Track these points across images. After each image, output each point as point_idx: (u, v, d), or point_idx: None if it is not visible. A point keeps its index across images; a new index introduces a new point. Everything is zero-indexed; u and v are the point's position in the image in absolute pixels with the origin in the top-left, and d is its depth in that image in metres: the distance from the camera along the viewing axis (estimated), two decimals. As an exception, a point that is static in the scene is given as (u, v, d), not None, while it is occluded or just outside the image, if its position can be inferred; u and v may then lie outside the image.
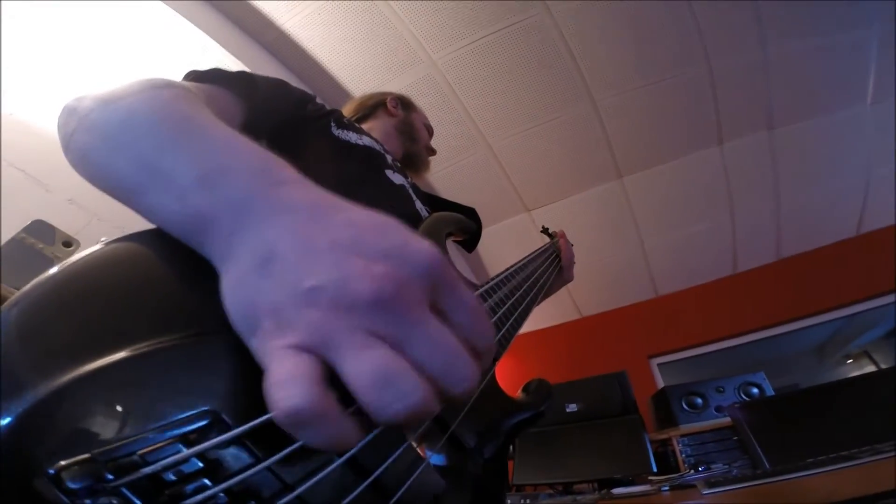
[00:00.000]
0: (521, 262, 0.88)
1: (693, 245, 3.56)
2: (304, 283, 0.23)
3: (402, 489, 0.29)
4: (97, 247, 0.27)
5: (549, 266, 1.05)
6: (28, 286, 0.24)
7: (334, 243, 0.24)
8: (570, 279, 1.21)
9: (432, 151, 1.19)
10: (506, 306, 0.64)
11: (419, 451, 0.33)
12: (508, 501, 1.92)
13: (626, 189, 3.22)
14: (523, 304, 0.72)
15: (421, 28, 2.31)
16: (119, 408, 0.21)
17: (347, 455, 0.26)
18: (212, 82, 0.58)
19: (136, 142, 0.31)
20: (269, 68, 2.28)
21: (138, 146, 0.31)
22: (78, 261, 0.26)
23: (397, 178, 0.84)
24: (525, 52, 2.43)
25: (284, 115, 0.72)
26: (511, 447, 0.68)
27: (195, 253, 0.28)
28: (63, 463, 0.19)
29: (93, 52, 1.93)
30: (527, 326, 0.71)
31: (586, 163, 3.03)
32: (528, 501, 1.98)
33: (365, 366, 0.22)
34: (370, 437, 0.26)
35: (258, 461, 0.23)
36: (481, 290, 0.61)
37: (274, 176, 0.28)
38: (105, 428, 0.21)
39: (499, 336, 0.56)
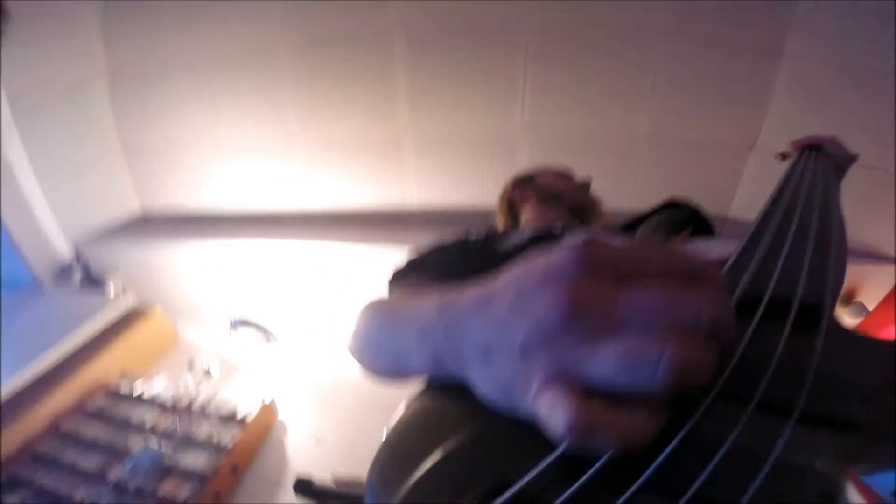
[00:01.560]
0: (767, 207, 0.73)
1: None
2: (515, 345, 0.26)
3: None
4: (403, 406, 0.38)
5: (813, 169, 0.88)
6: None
7: (507, 306, 0.28)
8: (848, 156, 0.98)
9: (584, 187, 1.21)
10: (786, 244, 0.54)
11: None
12: None
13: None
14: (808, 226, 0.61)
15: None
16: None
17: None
18: (399, 282, 0.76)
19: (377, 347, 0.48)
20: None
21: (379, 349, 0.48)
22: (405, 413, 0.37)
23: (577, 239, 0.89)
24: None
25: (458, 265, 0.78)
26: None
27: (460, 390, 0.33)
28: None
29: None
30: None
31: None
32: None
33: (605, 359, 0.22)
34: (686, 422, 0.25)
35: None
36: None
37: (447, 304, 0.35)
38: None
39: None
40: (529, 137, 2.57)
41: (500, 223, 1.31)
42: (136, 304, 2.88)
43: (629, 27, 2.27)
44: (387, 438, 0.34)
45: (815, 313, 0.38)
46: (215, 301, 3.03)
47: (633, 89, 2.41)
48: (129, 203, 3.19)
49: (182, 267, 2.98)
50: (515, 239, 0.86)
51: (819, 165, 0.87)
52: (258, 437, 2.11)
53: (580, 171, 1.27)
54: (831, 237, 0.56)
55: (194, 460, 1.94)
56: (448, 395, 0.34)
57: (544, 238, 0.86)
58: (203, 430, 2.07)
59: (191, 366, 2.35)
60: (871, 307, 2.76)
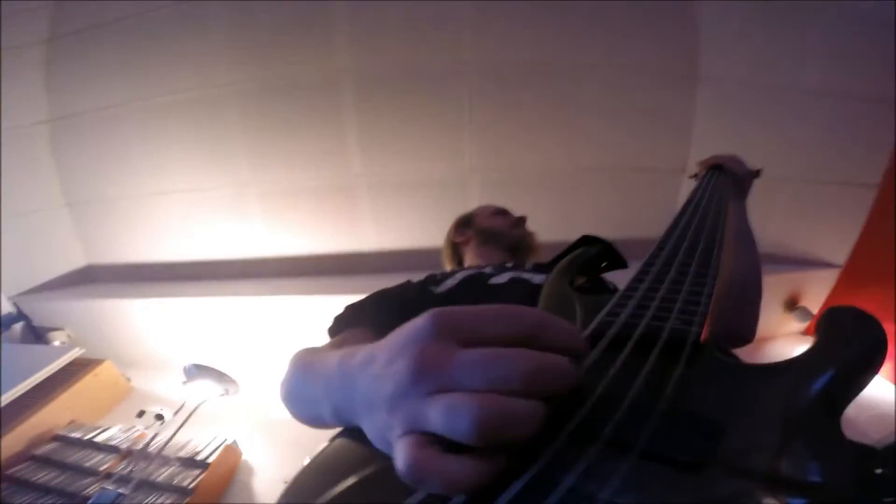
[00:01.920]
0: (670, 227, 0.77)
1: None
2: (385, 400, 0.29)
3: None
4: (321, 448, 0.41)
5: (711, 189, 0.93)
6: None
7: (382, 365, 0.31)
8: (748, 172, 1.10)
9: (517, 224, 1.29)
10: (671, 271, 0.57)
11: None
12: None
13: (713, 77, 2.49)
14: (699, 252, 0.62)
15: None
16: None
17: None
18: (339, 329, 0.80)
19: (295, 396, 0.52)
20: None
21: (297, 398, 0.52)
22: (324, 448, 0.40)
23: (503, 278, 0.90)
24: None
25: (399, 311, 0.81)
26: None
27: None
28: None
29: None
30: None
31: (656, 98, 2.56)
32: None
33: (436, 413, 0.25)
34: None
35: None
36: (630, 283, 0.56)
37: (344, 361, 0.39)
38: None
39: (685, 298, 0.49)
40: (479, 177, 2.67)
41: (447, 266, 1.37)
42: (84, 356, 2.72)
43: (559, 63, 2.43)
44: (305, 465, 0.37)
45: (694, 345, 0.40)
46: (169, 350, 2.93)
47: (570, 123, 2.56)
48: (73, 256, 3.07)
49: (132, 320, 2.89)
50: (450, 282, 0.92)
51: (718, 184, 0.98)
52: (223, 478, 2.03)
53: (530, 208, 1.35)
54: (714, 260, 0.59)
55: (157, 502, 1.84)
56: (362, 436, 0.36)
57: (475, 278, 0.92)
58: (163, 473, 1.96)
59: (140, 413, 2.25)
60: (814, 311, 2.93)
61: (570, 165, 2.63)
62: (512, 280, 0.89)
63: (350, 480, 0.32)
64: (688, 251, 0.62)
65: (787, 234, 2.79)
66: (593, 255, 0.83)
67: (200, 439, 2.15)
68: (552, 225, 1.27)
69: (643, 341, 0.40)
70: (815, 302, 2.91)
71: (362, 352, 0.36)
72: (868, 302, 2.71)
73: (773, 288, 2.85)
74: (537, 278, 0.88)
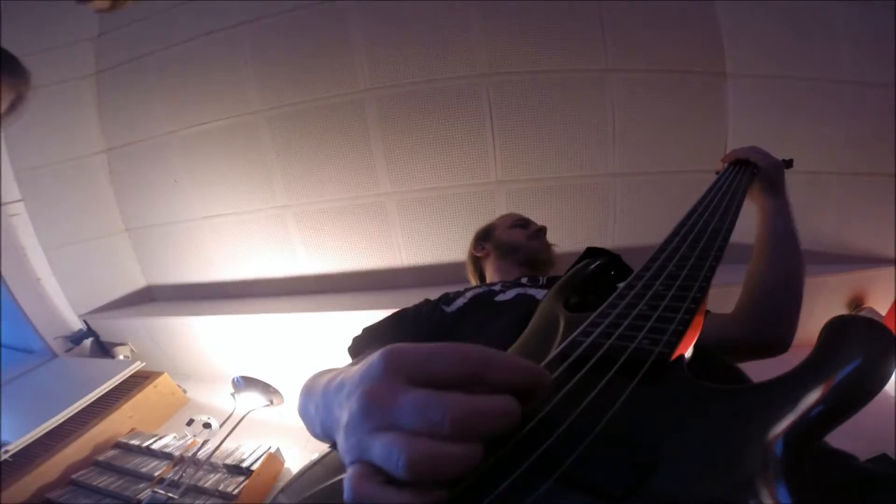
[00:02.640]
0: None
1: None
2: (341, 428, 0.32)
3: None
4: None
5: (725, 187, 0.83)
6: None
7: (345, 395, 0.33)
8: (775, 163, 0.96)
9: (536, 235, 1.27)
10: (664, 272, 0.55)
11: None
12: None
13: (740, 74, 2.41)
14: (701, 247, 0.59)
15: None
16: None
17: None
18: (357, 351, 0.84)
19: (303, 414, 0.52)
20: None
21: (304, 416, 0.52)
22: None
23: (509, 295, 0.91)
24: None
25: (414, 331, 0.86)
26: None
27: None
28: None
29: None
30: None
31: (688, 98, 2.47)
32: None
33: (375, 448, 0.27)
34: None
35: None
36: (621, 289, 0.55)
37: (328, 383, 0.41)
38: None
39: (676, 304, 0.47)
40: (506, 189, 2.65)
41: (471, 279, 1.37)
42: (144, 370, 2.92)
43: (576, 71, 2.40)
44: (298, 471, 0.40)
45: (657, 365, 0.38)
46: (220, 363, 3.08)
47: (596, 129, 2.51)
48: (133, 277, 3.29)
49: (188, 335, 3.06)
50: (460, 301, 0.92)
51: (736, 182, 0.86)
52: (265, 484, 2.09)
53: (558, 218, 1.29)
54: (705, 272, 0.53)
55: None
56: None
57: (483, 297, 0.92)
58: (210, 479, 2.06)
59: (190, 422, 2.37)
60: (883, 311, 2.72)
61: (598, 173, 2.58)
62: (518, 296, 0.90)
63: (331, 481, 0.34)
64: (680, 262, 0.57)
65: (844, 231, 2.59)
66: (592, 270, 0.81)
67: (246, 448, 2.23)
68: (584, 232, 1.22)
69: (605, 362, 0.39)
70: (883, 302, 2.69)
71: (339, 378, 0.38)
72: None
73: (834, 289, 2.66)
74: (541, 294, 0.87)
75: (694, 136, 2.49)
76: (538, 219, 1.35)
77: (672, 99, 2.43)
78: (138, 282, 3.31)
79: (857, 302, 2.71)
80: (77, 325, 3.25)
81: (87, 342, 3.24)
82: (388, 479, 0.26)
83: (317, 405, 0.44)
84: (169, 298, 3.30)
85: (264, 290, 3.10)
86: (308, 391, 0.54)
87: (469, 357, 0.30)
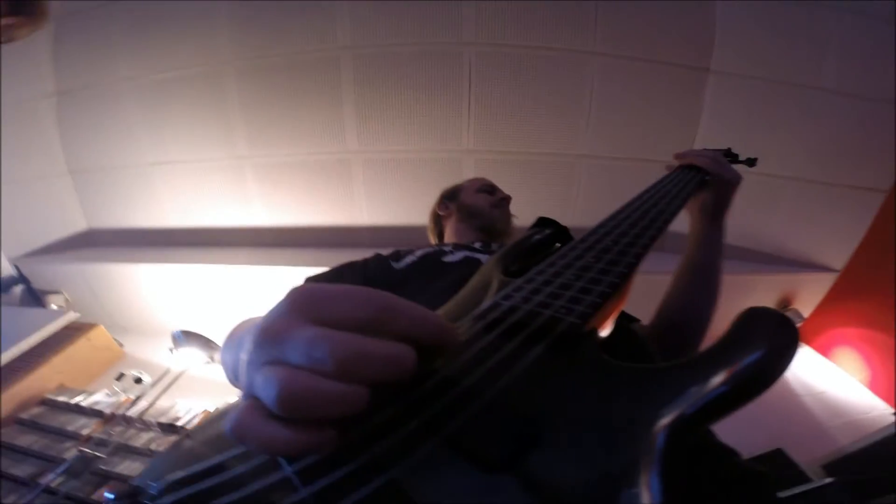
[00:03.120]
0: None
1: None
2: (243, 366, 0.30)
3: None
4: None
5: (671, 187, 0.79)
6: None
7: (249, 336, 0.31)
8: (730, 179, 0.86)
9: (500, 203, 1.24)
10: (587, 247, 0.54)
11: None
12: None
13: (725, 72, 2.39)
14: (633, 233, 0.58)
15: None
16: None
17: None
18: None
19: (223, 361, 0.49)
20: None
21: (224, 363, 0.48)
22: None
23: (457, 256, 0.90)
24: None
25: (361, 284, 0.86)
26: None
27: None
28: None
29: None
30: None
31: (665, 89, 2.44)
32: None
33: (258, 381, 0.26)
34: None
35: None
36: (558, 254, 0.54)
37: (244, 333, 0.37)
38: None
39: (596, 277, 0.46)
40: (475, 158, 2.62)
41: (431, 239, 1.36)
42: (78, 320, 2.75)
43: (564, 50, 2.36)
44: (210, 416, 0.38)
45: (567, 336, 0.37)
46: (162, 316, 2.93)
47: (571, 110, 2.49)
48: (74, 220, 3.07)
49: (128, 284, 2.89)
50: (409, 258, 0.92)
51: (684, 187, 0.79)
52: (200, 445, 2.03)
53: (523, 192, 1.29)
54: (631, 258, 0.51)
55: (131, 467, 1.84)
56: None
57: (431, 256, 0.91)
58: (142, 438, 1.96)
59: (120, 376, 2.27)
60: (805, 314, 2.88)
61: (567, 152, 2.58)
62: (465, 259, 0.89)
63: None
64: (612, 243, 0.56)
65: (788, 235, 2.70)
66: (537, 240, 0.79)
67: (181, 406, 2.13)
68: (546, 210, 1.22)
69: (519, 327, 0.38)
70: (807, 305, 2.84)
71: (255, 321, 0.36)
72: (861, 310, 2.64)
73: (767, 288, 2.78)
74: (486, 258, 0.86)
75: (665, 127, 2.51)
76: (503, 189, 1.32)
77: (651, 89, 2.43)
78: (78, 224, 3.08)
79: (785, 303, 2.85)
80: (7, 270, 3.02)
81: (18, 289, 3.01)
82: (277, 416, 0.26)
83: (231, 351, 0.42)
84: (111, 244, 3.09)
85: (215, 239, 2.96)
86: (228, 339, 0.53)
87: (373, 302, 0.29)
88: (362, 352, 0.26)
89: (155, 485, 0.28)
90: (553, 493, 0.25)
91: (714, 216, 0.89)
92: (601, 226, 0.62)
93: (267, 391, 0.25)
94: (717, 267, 0.88)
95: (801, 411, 2.51)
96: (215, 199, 2.88)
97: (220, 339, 2.25)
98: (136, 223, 3.05)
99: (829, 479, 1.93)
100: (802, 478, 1.97)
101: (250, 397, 0.28)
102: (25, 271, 3.02)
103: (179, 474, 0.28)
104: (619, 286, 0.45)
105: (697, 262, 0.88)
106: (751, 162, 1.01)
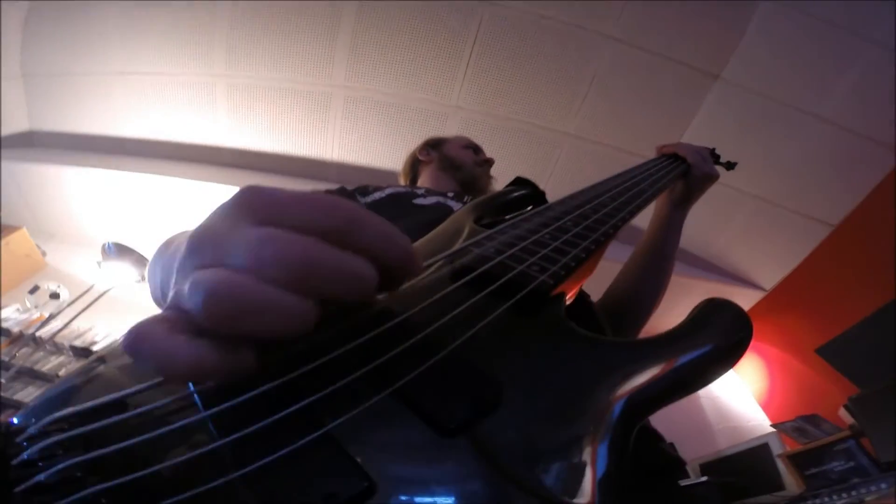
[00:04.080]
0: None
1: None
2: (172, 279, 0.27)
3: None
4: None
5: (654, 171, 0.78)
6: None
7: (185, 242, 0.26)
8: (708, 174, 0.87)
9: (483, 163, 1.20)
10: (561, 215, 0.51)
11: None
12: None
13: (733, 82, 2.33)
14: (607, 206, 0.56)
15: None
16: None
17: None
18: None
19: (150, 274, 0.47)
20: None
21: (150, 277, 0.47)
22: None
23: (429, 200, 0.88)
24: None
25: None
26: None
27: None
28: None
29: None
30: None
31: (667, 87, 2.40)
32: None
33: (186, 288, 0.21)
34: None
35: None
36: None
37: (178, 244, 0.34)
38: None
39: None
40: (462, 116, 2.51)
41: (401, 182, 1.31)
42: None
43: (580, 28, 2.25)
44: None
45: (535, 294, 0.34)
46: (95, 227, 2.66)
47: (569, 89, 2.41)
48: (16, 121, 2.72)
49: (61, 188, 2.59)
50: (377, 195, 0.88)
51: (665, 173, 0.79)
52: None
53: (499, 158, 1.27)
54: (607, 229, 0.50)
55: (33, 395, 1.63)
56: None
57: (402, 196, 0.88)
58: (50, 362, 1.75)
59: (34, 289, 2.02)
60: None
61: (553, 130, 2.52)
62: (437, 203, 0.86)
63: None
64: (591, 211, 0.55)
65: (732, 248, 2.76)
66: (514, 197, 0.76)
67: (100, 329, 1.92)
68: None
69: (486, 277, 0.35)
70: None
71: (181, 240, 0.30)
72: (777, 330, 2.77)
73: (696, 293, 2.84)
74: (458, 207, 0.83)
75: (654, 122, 2.46)
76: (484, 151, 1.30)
77: (653, 83, 2.36)
78: (20, 124, 2.73)
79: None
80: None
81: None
82: (194, 330, 0.21)
83: (162, 265, 0.38)
84: (52, 146, 2.77)
85: (169, 153, 2.70)
86: (160, 248, 0.46)
87: (340, 209, 0.24)
88: (320, 258, 0.22)
89: (34, 425, 0.21)
90: (503, 460, 0.23)
91: (681, 205, 0.89)
92: (581, 193, 0.61)
93: (194, 296, 0.20)
94: (672, 253, 0.89)
95: (696, 410, 2.68)
96: (179, 114, 2.62)
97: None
98: (83, 129, 2.73)
99: (703, 478, 2.10)
100: (682, 474, 2.13)
101: (167, 310, 0.22)
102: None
103: (69, 410, 0.22)
104: (593, 253, 0.44)
105: (657, 245, 0.89)
106: (730, 166, 1.01)
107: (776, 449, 2.23)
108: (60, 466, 0.19)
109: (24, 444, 0.20)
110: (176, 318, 0.21)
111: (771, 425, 2.46)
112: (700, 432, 2.56)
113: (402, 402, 0.23)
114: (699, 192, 0.89)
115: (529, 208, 0.75)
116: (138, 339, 0.20)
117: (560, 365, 0.30)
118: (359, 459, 0.20)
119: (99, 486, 0.19)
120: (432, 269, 0.37)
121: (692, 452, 2.27)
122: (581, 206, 0.54)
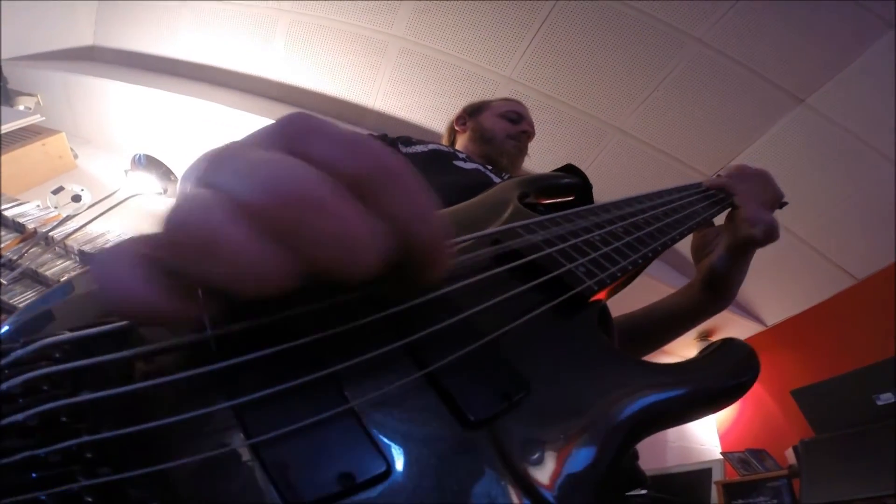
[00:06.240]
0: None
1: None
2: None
3: None
4: None
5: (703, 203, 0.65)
6: None
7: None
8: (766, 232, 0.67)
9: (518, 136, 1.06)
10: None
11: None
12: None
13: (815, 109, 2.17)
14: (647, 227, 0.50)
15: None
16: None
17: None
18: None
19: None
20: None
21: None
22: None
23: (469, 165, 0.82)
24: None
25: None
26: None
27: None
28: None
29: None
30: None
31: (742, 101, 2.24)
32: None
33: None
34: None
35: None
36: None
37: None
38: None
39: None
40: (513, 88, 2.37)
41: (444, 142, 1.21)
42: (41, 125, 2.42)
43: (667, 25, 2.07)
44: None
45: (578, 298, 0.33)
46: (131, 140, 2.60)
47: (635, 85, 2.23)
48: (82, 37, 2.68)
49: (107, 100, 2.55)
50: (419, 148, 0.84)
51: (707, 215, 0.65)
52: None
53: (544, 138, 1.16)
54: (656, 247, 0.47)
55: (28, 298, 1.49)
56: None
57: (443, 155, 0.84)
58: (56, 265, 1.62)
59: (58, 189, 1.89)
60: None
61: (603, 122, 2.38)
62: (476, 170, 0.81)
63: None
64: (644, 223, 0.51)
65: (749, 277, 2.69)
66: (563, 184, 0.70)
67: (113, 236, 1.78)
68: (552, 165, 1.11)
69: (532, 268, 0.33)
70: (722, 341, 2.88)
71: None
72: (763, 366, 2.69)
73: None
74: (497, 179, 0.79)
75: (718, 136, 2.27)
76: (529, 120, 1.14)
77: (729, 95, 2.16)
78: (84, 39, 2.68)
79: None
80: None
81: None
82: (166, 270, 0.16)
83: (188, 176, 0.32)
84: (110, 63, 2.72)
85: (218, 80, 2.63)
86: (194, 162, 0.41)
87: (372, 153, 0.19)
88: (321, 202, 0.16)
89: (22, 346, 0.17)
90: (517, 458, 0.22)
91: (724, 276, 0.74)
92: (637, 199, 0.56)
93: (164, 219, 0.16)
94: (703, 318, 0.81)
95: (658, 424, 2.64)
96: (237, 43, 2.55)
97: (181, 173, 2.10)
98: (143, 48, 2.67)
99: (643, 492, 2.07)
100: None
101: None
102: (6, 72, 2.79)
103: (65, 336, 0.18)
104: (640, 266, 0.42)
105: (692, 307, 0.79)
106: (781, 205, 0.84)
107: (717, 475, 2.19)
108: (44, 408, 0.16)
109: (6, 370, 0.16)
110: (148, 242, 0.17)
111: (721, 453, 2.42)
112: (653, 445, 2.52)
113: (429, 384, 0.22)
114: (744, 248, 0.69)
115: (571, 198, 0.73)
116: (101, 266, 0.17)
117: (588, 375, 0.29)
118: (377, 439, 0.19)
119: (85, 438, 0.16)
120: (473, 244, 0.34)
121: (642, 462, 2.23)
122: (635, 215, 0.51)
